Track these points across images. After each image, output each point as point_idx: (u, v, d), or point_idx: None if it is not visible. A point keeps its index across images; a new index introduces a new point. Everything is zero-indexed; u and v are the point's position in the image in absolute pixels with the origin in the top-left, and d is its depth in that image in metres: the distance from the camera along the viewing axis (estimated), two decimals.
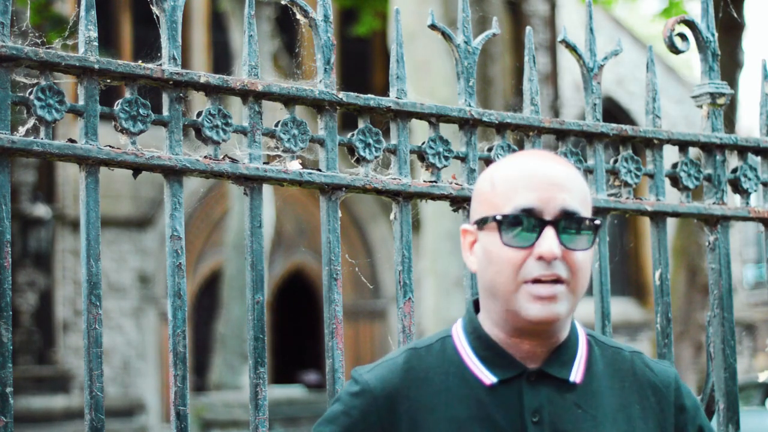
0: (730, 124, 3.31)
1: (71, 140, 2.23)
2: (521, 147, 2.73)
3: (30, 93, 2.19)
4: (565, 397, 1.84)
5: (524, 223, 1.78)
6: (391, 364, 1.91)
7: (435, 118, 2.63)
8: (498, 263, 1.80)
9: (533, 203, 1.79)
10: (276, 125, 2.46)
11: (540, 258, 1.77)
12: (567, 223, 1.79)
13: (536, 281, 1.78)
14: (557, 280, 1.78)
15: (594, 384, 1.87)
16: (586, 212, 1.83)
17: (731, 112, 11.07)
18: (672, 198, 2.89)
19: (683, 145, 2.95)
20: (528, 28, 2.78)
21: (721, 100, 2.97)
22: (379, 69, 21.53)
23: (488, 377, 1.85)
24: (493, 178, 1.85)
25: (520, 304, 1.79)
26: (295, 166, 2.45)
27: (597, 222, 1.82)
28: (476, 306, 1.94)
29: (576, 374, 1.86)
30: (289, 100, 2.47)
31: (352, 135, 2.54)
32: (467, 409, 1.83)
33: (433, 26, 2.62)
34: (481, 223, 1.84)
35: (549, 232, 1.78)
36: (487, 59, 16.77)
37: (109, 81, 2.29)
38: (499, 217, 1.79)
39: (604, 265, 2.76)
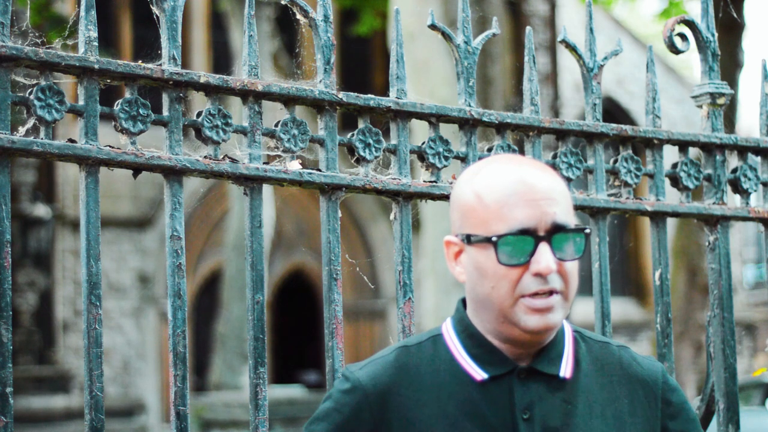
0: (730, 124, 3.32)
1: (71, 140, 2.23)
2: (521, 147, 2.74)
3: (30, 93, 2.19)
4: (555, 394, 1.87)
5: (521, 241, 1.80)
6: (383, 361, 1.92)
7: (435, 118, 2.63)
8: (493, 279, 1.83)
9: (528, 222, 1.81)
10: (276, 125, 2.46)
11: (537, 274, 1.80)
12: (559, 236, 1.82)
13: (534, 294, 1.81)
14: (552, 291, 1.82)
15: (582, 380, 1.90)
16: (572, 220, 1.86)
17: (731, 112, 11.06)
18: (672, 198, 2.89)
19: (683, 145, 2.95)
20: (528, 28, 2.78)
21: (721, 100, 2.97)
22: (379, 69, 21.52)
23: (479, 373, 1.87)
24: (479, 192, 1.85)
25: (519, 317, 1.82)
26: (295, 166, 2.45)
27: (587, 231, 1.85)
28: (464, 304, 1.95)
29: (565, 370, 1.89)
30: (289, 100, 2.47)
31: (352, 135, 2.54)
32: (458, 405, 1.85)
33: (433, 26, 2.62)
34: (470, 239, 1.85)
35: (544, 248, 1.80)
36: (487, 59, 16.75)
37: (109, 81, 2.28)
38: (494, 239, 1.81)
39: (604, 265, 2.76)
